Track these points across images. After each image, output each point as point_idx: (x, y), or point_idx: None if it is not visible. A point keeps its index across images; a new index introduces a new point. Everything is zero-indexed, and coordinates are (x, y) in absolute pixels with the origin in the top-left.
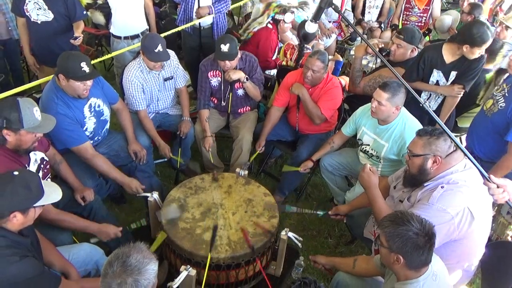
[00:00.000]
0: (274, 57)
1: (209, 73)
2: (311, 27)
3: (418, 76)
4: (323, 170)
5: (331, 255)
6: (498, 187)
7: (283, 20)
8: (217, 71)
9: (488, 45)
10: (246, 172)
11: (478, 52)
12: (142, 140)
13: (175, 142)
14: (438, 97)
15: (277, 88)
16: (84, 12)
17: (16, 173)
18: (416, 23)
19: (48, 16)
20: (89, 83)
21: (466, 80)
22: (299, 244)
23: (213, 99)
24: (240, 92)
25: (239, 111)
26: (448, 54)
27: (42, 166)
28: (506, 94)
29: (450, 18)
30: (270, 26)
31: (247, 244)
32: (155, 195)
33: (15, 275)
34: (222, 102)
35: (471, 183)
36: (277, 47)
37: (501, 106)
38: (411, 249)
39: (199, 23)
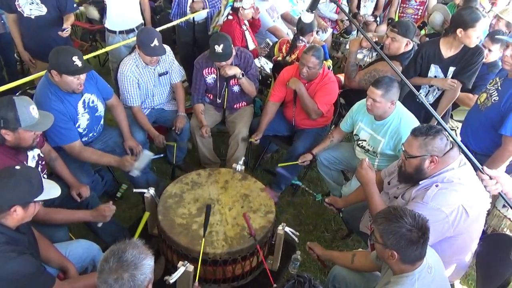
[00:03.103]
0: (251, 48)
1: (204, 70)
2: (307, 17)
3: (415, 73)
4: (319, 164)
5: (328, 249)
6: (491, 178)
7: (242, 6)
8: (212, 68)
9: (482, 25)
10: (243, 167)
11: (474, 34)
12: (138, 136)
13: (171, 137)
14: (436, 92)
15: (273, 84)
16: (75, 5)
17: (17, 167)
18: (413, 16)
19: (42, 10)
20: (83, 77)
21: (466, 76)
22: (296, 239)
23: (209, 95)
24: (236, 88)
25: (235, 106)
26: (446, 49)
27: (39, 162)
28: (499, 88)
29: (441, 15)
30: (231, 17)
31: (248, 231)
32: (152, 190)
33: (13, 271)
34: (218, 99)
35: (465, 180)
36: (244, 35)
37: (494, 100)
38: (405, 245)
39: (193, 18)
